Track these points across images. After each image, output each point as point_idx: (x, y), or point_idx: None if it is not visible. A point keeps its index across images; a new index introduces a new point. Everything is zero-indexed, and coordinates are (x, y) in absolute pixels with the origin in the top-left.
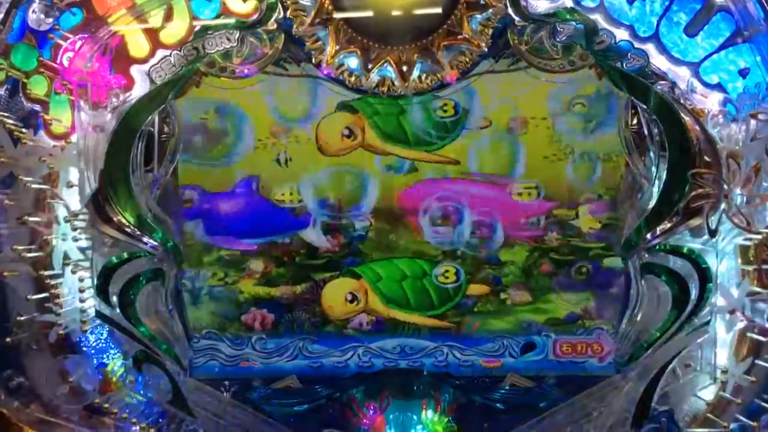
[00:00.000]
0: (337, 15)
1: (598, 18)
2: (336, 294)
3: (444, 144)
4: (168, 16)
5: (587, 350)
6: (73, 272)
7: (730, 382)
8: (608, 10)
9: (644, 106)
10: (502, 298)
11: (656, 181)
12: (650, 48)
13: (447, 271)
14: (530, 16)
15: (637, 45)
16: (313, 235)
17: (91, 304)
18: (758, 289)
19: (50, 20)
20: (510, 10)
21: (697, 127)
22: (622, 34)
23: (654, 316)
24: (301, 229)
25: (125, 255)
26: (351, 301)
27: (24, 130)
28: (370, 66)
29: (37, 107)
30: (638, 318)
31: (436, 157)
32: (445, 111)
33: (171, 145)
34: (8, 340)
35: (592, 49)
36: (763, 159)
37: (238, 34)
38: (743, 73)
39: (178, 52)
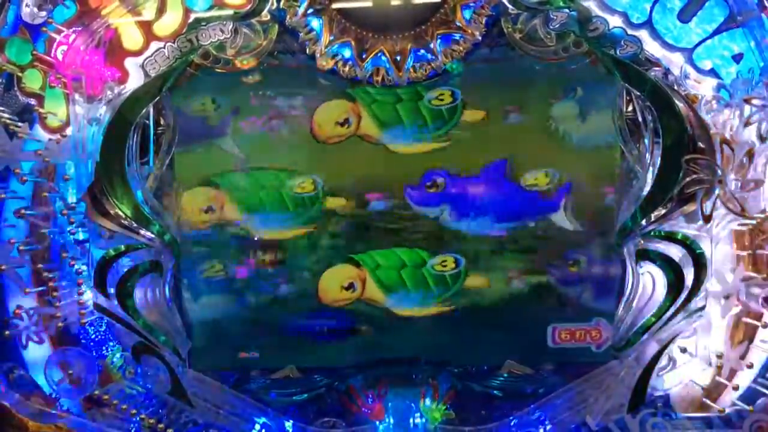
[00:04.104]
0: (336, 5)
1: (591, 5)
2: (334, 280)
3: (442, 132)
4: (161, 9)
5: (585, 337)
6: (71, 265)
7: (725, 366)
8: None
9: (638, 93)
10: None
11: (650, 168)
12: (644, 34)
13: (445, 261)
14: (524, 3)
15: (630, 32)
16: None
17: (90, 296)
18: (753, 274)
19: (44, 14)
20: None
21: (691, 113)
22: (615, 21)
23: (649, 302)
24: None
25: (122, 247)
26: (347, 289)
27: (19, 123)
28: (364, 56)
29: (32, 101)
30: (634, 304)
31: (428, 146)
32: (441, 99)
33: (167, 138)
34: (7, 333)
35: (586, 36)
36: (757, 144)
37: (231, 26)
38: (737, 58)
39: (173, 44)
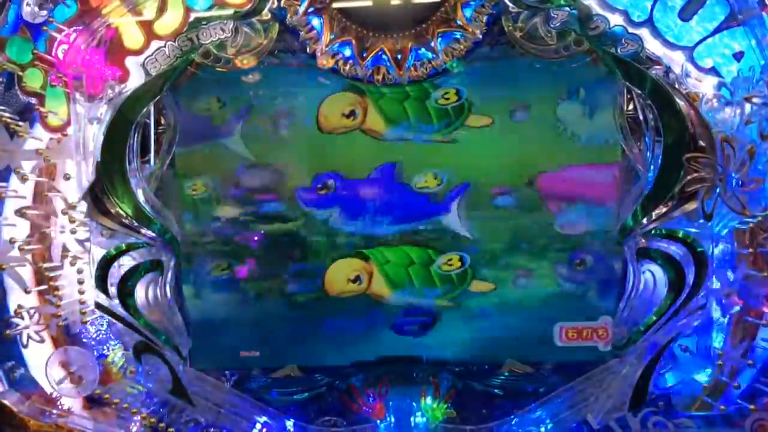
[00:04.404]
0: (336, 5)
1: (592, 3)
2: (341, 272)
3: (446, 132)
4: (162, 8)
5: (592, 335)
6: (72, 264)
7: (726, 365)
8: None
9: (639, 92)
10: None
11: (651, 166)
12: (644, 33)
13: (450, 259)
14: (524, 2)
15: (631, 30)
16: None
17: (91, 295)
18: (754, 272)
19: (44, 13)
20: None
21: (692, 112)
22: (616, 20)
23: (650, 301)
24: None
25: (123, 246)
26: (354, 281)
27: (20, 123)
28: (365, 54)
29: (33, 100)
30: (635, 302)
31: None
32: (447, 98)
33: (168, 136)
34: (8, 332)
35: (587, 34)
36: (758, 142)
37: (232, 25)
38: (737, 56)
39: (173, 43)
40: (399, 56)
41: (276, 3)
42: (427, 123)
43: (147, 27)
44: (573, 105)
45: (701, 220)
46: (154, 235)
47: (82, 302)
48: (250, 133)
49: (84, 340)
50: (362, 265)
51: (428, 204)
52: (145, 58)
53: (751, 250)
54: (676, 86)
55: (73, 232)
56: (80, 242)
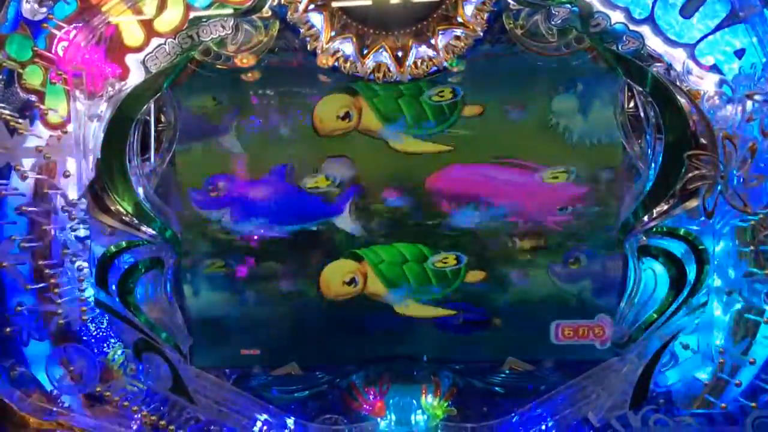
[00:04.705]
0: (336, 3)
1: (593, 0)
2: (335, 274)
3: (442, 128)
4: (162, 5)
5: (589, 334)
6: (72, 262)
7: (727, 362)
8: None
9: (640, 89)
10: None
11: (652, 164)
12: (646, 30)
13: (446, 258)
14: None
15: (632, 27)
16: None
17: (91, 293)
18: (755, 270)
19: (44, 10)
20: None
21: (693, 109)
22: (617, 17)
23: (651, 298)
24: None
25: (123, 244)
26: (349, 284)
27: (20, 120)
28: (365, 52)
29: (33, 97)
30: (635, 300)
31: (430, 146)
32: (442, 96)
33: (167, 134)
34: (8, 330)
35: (588, 32)
36: (759, 140)
37: (232, 22)
38: (739, 53)
39: (173, 41)
40: (400, 54)
41: (276, 0)
42: (423, 120)
43: (147, 24)
44: (571, 102)
45: (702, 218)
46: (154, 232)
47: (82, 300)
48: (246, 131)
49: (84, 337)
50: (356, 266)
51: (321, 205)
52: (145, 56)
53: (752, 247)
54: (678, 83)
55: (73, 229)
56: (80, 240)
